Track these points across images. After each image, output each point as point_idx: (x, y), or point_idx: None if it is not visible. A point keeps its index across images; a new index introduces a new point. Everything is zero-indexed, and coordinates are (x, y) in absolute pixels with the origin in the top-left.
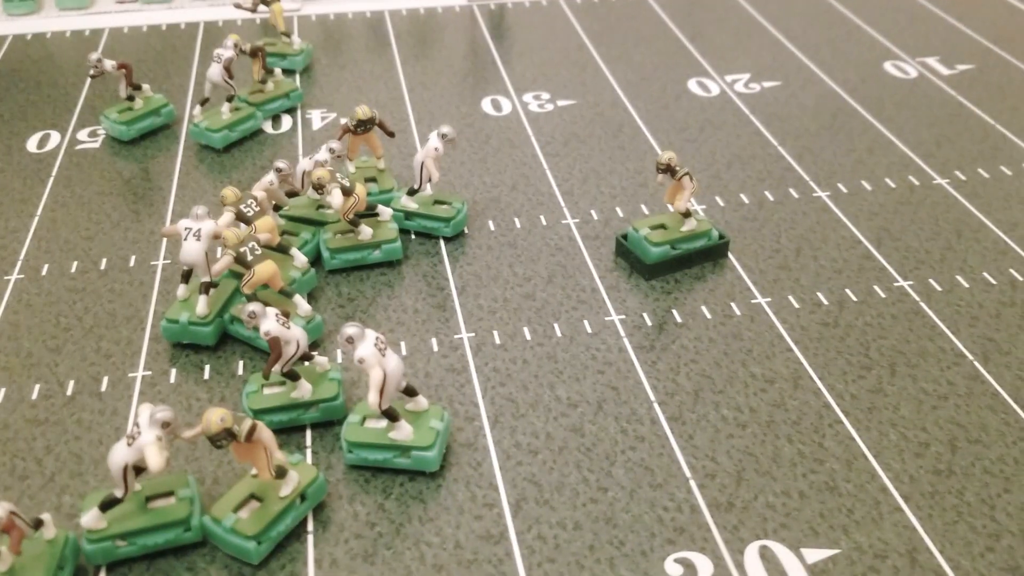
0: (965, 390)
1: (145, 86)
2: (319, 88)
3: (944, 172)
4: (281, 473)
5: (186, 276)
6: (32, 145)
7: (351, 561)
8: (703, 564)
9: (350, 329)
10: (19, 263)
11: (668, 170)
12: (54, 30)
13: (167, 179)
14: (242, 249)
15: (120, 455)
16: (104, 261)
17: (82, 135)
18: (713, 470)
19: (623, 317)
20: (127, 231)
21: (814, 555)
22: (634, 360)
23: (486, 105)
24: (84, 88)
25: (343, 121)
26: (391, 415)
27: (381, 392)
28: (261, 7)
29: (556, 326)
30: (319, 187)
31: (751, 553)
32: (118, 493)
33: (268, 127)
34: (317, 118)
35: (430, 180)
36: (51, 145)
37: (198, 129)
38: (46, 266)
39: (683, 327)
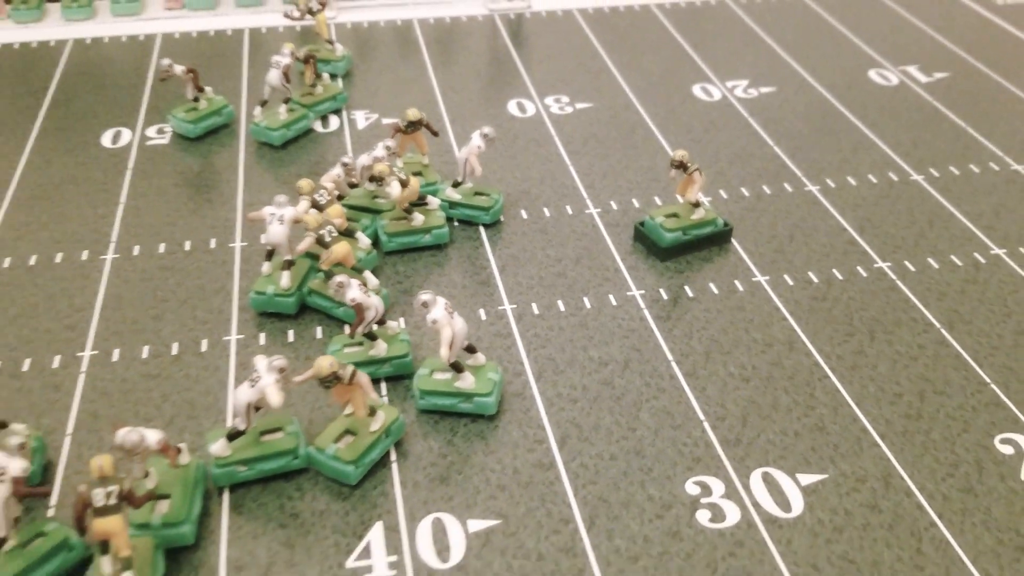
0: (932, 352)
1: (208, 88)
2: (360, 91)
3: (920, 169)
4: (372, 412)
5: (269, 255)
6: (107, 140)
7: (430, 483)
8: (716, 485)
9: (424, 296)
10: (112, 244)
11: (681, 166)
12: (110, 35)
13: (232, 172)
14: (321, 231)
15: (244, 395)
16: (188, 243)
17: (150, 132)
18: (722, 414)
19: (643, 292)
20: (204, 217)
21: (807, 479)
22: (653, 327)
23: (512, 107)
24: (146, 89)
25: (387, 122)
26: (457, 367)
27: (451, 348)
28: (306, 16)
29: (585, 299)
30: (379, 179)
31: (755, 477)
32: (241, 426)
33: (318, 126)
34: (361, 118)
35: (472, 173)
36: (123, 141)
37: (259, 128)
38: (137, 247)
39: (694, 300)
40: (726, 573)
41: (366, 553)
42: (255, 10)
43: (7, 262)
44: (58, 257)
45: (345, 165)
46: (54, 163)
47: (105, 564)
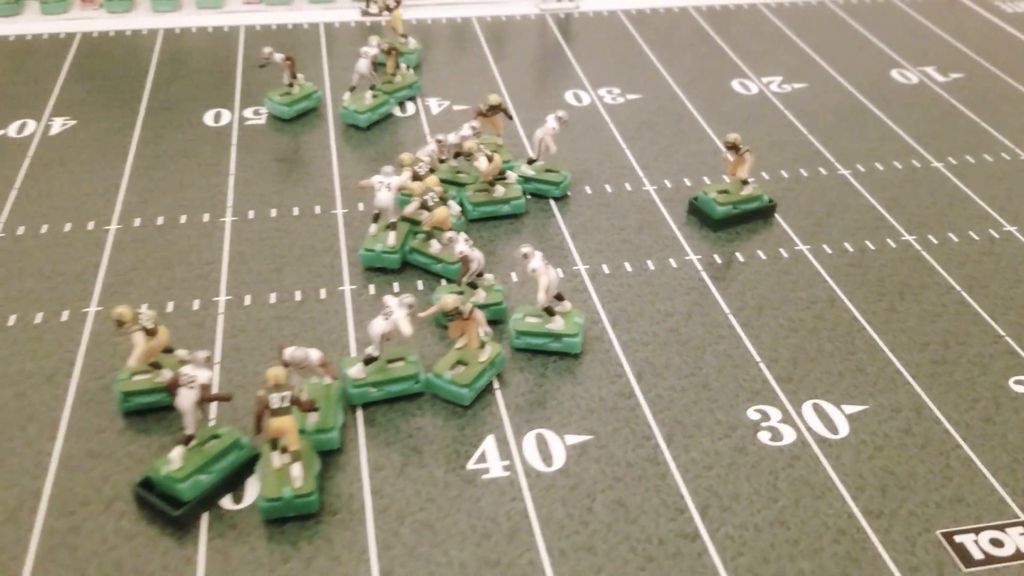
0: (954, 311)
1: (300, 75)
2: (431, 81)
3: (939, 157)
4: (482, 344)
5: (376, 217)
6: (209, 120)
7: (529, 406)
8: (774, 413)
9: (525, 248)
10: (229, 209)
11: (734, 147)
12: (197, 25)
13: (325, 150)
14: (425, 197)
15: (379, 327)
16: (296, 209)
17: (247, 113)
18: (775, 357)
19: (699, 257)
20: (306, 187)
21: (850, 409)
22: (710, 286)
23: (568, 97)
24: (238, 76)
25: (457, 108)
26: (549, 311)
27: (546, 293)
28: (384, 13)
29: (648, 262)
30: (468, 155)
31: (807, 407)
32: (375, 353)
33: (397, 111)
34: (435, 105)
35: (547, 151)
36: (224, 121)
37: (347, 111)
38: (251, 212)
39: (745, 265)
40: (786, 480)
41: (482, 459)
42: (326, 7)
43: (137, 221)
44: (182, 219)
45: (439, 142)
46: (164, 138)
47: (276, 458)
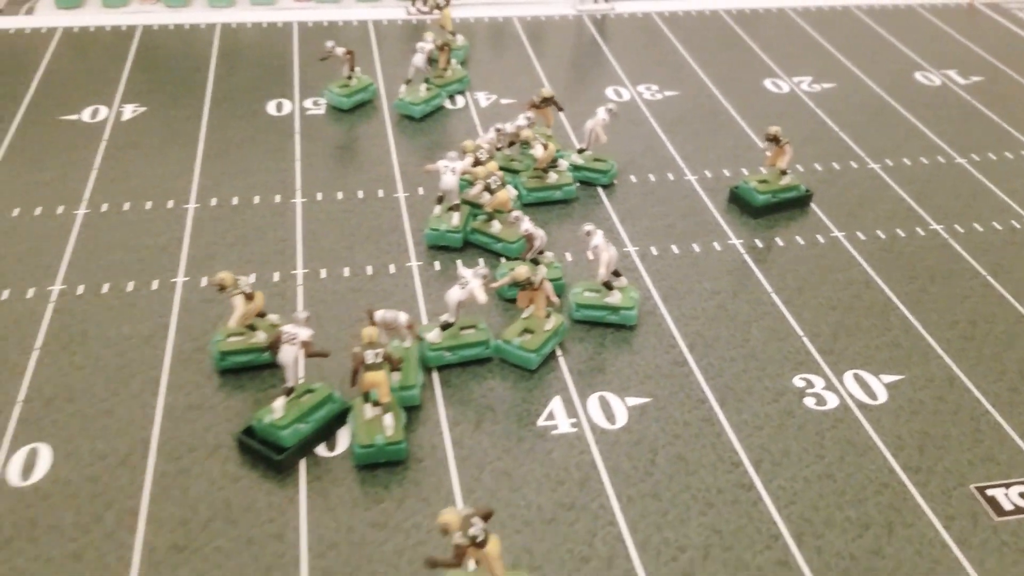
0: (981, 293)
1: (357, 68)
2: (477, 76)
3: (963, 154)
4: (548, 314)
5: (439, 199)
6: (271, 109)
7: (591, 372)
8: (817, 381)
9: (588, 226)
10: (298, 191)
11: (775, 139)
12: (252, 21)
13: (382, 138)
14: (488, 180)
15: (455, 295)
16: (360, 192)
17: (307, 103)
18: (817, 331)
19: (741, 241)
20: (368, 172)
21: (888, 378)
22: (753, 267)
23: (609, 92)
24: (295, 69)
25: (505, 102)
26: (608, 286)
27: (607, 269)
28: (434, 11)
29: (694, 245)
30: (526, 142)
31: (848, 376)
32: (451, 320)
33: (448, 104)
34: (483, 98)
35: (597, 141)
36: (286, 111)
37: (403, 103)
38: (319, 194)
39: (785, 249)
40: (831, 439)
41: (551, 417)
42: (373, 5)
43: (214, 201)
44: (256, 199)
45: (498, 130)
46: (230, 126)
47: (368, 410)
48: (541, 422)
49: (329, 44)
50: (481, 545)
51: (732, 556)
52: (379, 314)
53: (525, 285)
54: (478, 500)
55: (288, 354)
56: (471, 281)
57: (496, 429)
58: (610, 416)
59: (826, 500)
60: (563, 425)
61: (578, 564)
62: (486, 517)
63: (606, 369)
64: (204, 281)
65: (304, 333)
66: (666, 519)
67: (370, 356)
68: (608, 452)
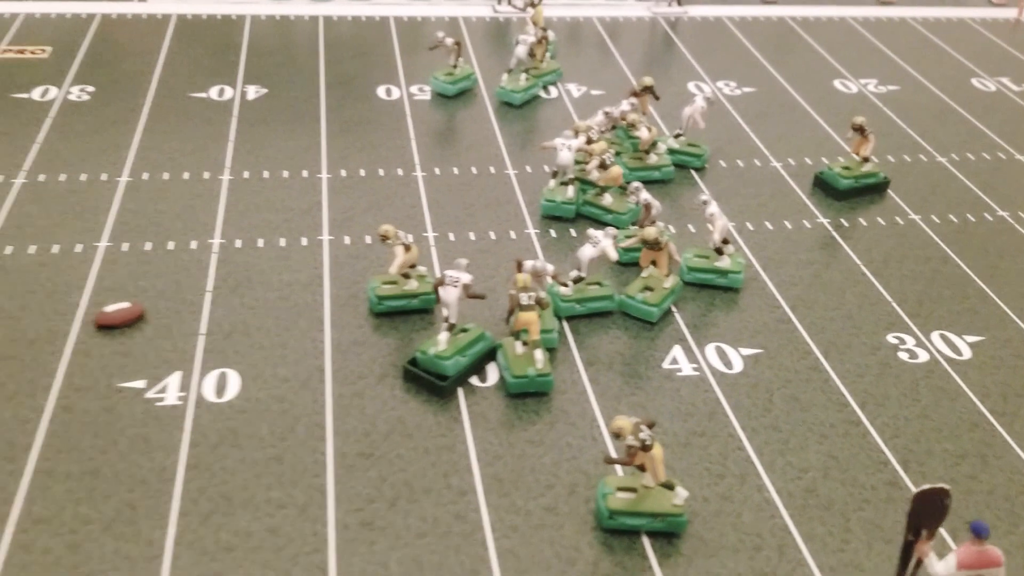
0: None
1: (461, 59)
2: (567, 68)
3: (1022, 152)
4: (668, 273)
5: (555, 174)
6: (381, 94)
7: (705, 326)
8: (908, 339)
9: (704, 196)
10: (418, 165)
11: (860, 129)
12: (352, 15)
13: (486, 123)
14: (603, 156)
15: (587, 253)
16: (474, 168)
17: (413, 90)
18: (903, 298)
19: (828, 220)
20: (479, 151)
21: (971, 338)
22: (841, 243)
23: (691, 87)
24: (398, 58)
25: (595, 93)
26: (719, 251)
27: (720, 234)
28: (528, 9)
29: (786, 222)
30: (632, 125)
31: (935, 335)
32: (583, 274)
33: (543, 93)
34: (574, 89)
35: (695, 127)
36: (395, 96)
37: (504, 91)
38: (437, 169)
39: (868, 228)
40: (925, 387)
41: (674, 362)
42: (462, 3)
43: (343, 172)
44: (380, 172)
45: (607, 113)
46: (347, 107)
47: (518, 346)
48: (666, 365)
49: (439, 34)
50: (648, 449)
51: (848, 476)
52: (528, 263)
53: (653, 245)
54: None
55: (451, 294)
56: (602, 240)
57: (626, 369)
58: (727, 363)
59: (926, 435)
60: (686, 369)
61: (715, 479)
62: (651, 425)
63: (719, 324)
64: (348, 240)
65: (465, 277)
66: (787, 446)
67: (524, 298)
68: (729, 392)
